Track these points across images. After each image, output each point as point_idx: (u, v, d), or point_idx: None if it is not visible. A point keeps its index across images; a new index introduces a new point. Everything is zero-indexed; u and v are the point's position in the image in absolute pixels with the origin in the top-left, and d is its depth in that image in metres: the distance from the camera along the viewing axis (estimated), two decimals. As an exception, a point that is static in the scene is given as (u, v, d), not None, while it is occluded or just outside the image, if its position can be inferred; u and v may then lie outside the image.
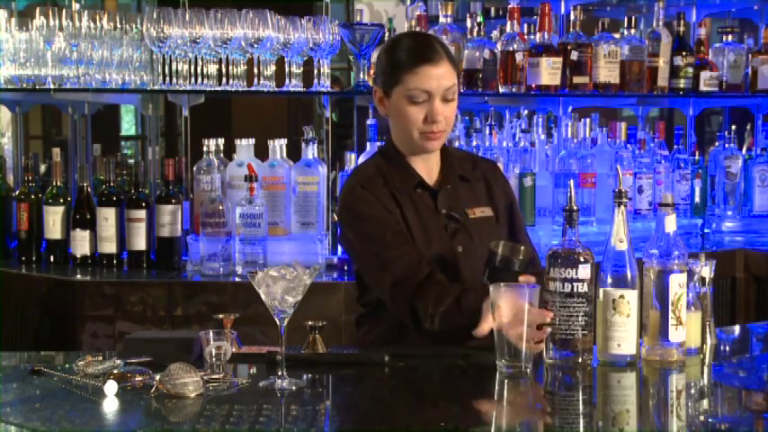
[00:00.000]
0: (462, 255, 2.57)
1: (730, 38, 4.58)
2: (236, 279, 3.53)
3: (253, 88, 3.76)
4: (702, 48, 4.43)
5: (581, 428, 1.93)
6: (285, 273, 2.13)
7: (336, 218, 3.16)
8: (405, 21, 4.13)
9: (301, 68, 3.78)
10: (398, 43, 2.60)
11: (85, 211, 3.75)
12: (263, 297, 2.16)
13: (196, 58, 3.67)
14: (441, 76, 2.52)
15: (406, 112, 2.54)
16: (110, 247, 3.73)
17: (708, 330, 2.45)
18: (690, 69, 4.33)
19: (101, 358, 2.22)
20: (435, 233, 2.58)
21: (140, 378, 2.11)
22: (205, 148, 3.71)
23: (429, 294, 2.43)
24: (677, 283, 2.27)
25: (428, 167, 2.65)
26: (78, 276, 3.63)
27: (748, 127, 5.01)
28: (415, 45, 2.56)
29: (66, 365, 2.28)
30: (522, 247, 2.40)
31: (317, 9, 4.45)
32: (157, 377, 2.05)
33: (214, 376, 2.12)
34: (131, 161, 4.56)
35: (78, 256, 3.74)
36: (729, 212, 4.55)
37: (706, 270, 2.43)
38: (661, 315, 2.27)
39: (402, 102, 2.54)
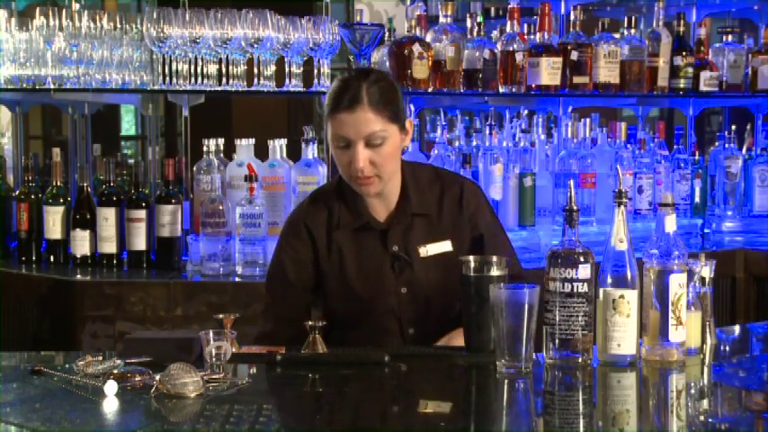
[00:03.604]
0: (405, 296, 2.56)
1: (730, 38, 4.58)
2: (236, 279, 3.53)
3: (253, 88, 3.76)
4: (702, 48, 4.43)
5: (581, 428, 1.93)
6: None
7: None
8: (405, 21, 4.12)
9: (301, 68, 3.78)
10: (333, 85, 2.54)
11: (85, 211, 3.75)
12: None
13: (196, 58, 3.67)
14: (358, 123, 2.45)
15: (335, 155, 2.53)
16: (110, 247, 3.73)
17: (708, 330, 2.45)
18: (690, 69, 4.33)
19: (101, 358, 2.21)
20: (376, 273, 2.55)
21: (140, 378, 2.11)
22: (205, 148, 3.71)
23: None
24: (677, 283, 2.27)
25: (385, 204, 2.59)
26: (78, 276, 3.63)
27: (748, 127, 5.01)
28: (336, 90, 2.49)
29: (66, 365, 2.27)
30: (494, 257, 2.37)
31: (317, 9, 4.46)
32: (157, 377, 2.05)
33: (214, 376, 2.12)
34: (131, 161, 4.55)
35: (78, 256, 3.74)
36: (729, 212, 4.55)
37: (706, 270, 2.43)
38: (661, 315, 2.27)
39: (332, 145, 2.53)
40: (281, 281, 2.62)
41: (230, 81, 3.72)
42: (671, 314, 2.26)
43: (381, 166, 2.49)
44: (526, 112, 4.85)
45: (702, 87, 4.38)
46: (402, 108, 2.56)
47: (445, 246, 2.58)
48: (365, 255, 2.56)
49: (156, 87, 3.75)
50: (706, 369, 2.34)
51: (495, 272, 2.34)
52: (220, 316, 2.38)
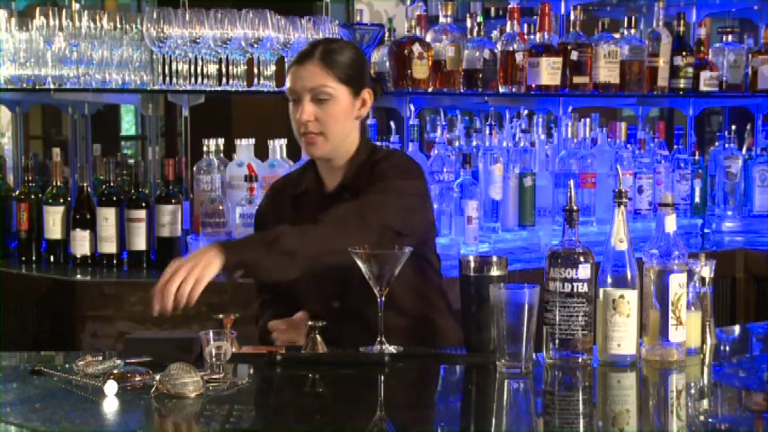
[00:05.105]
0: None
1: (730, 38, 4.58)
2: (236, 279, 3.53)
3: (253, 88, 3.76)
4: (702, 48, 4.43)
5: (581, 428, 1.93)
6: None
7: None
8: (405, 21, 4.12)
9: (301, 68, 3.78)
10: None
11: (85, 211, 3.75)
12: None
13: (196, 58, 3.67)
14: (305, 76, 2.54)
15: (289, 111, 2.61)
16: (110, 247, 3.73)
17: (708, 330, 2.45)
18: (690, 69, 4.33)
19: (101, 358, 2.22)
20: None
21: (140, 378, 2.11)
22: (205, 148, 3.71)
23: None
24: (677, 283, 2.27)
25: (333, 172, 2.63)
26: (78, 276, 3.63)
27: (748, 127, 5.01)
28: (300, 51, 2.63)
29: (66, 365, 2.28)
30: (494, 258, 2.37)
31: (317, 9, 4.45)
32: (157, 377, 2.05)
33: (214, 376, 2.12)
34: (131, 161, 4.55)
35: (78, 256, 3.74)
36: (729, 212, 4.55)
37: (706, 270, 2.43)
38: (661, 315, 2.27)
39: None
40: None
41: (230, 81, 3.72)
42: (671, 314, 2.26)
43: (326, 124, 2.55)
44: (526, 112, 4.85)
45: (702, 87, 4.38)
46: (363, 77, 2.61)
47: None
48: (308, 219, 2.54)
49: (156, 87, 3.75)
50: (706, 369, 2.34)
51: (495, 272, 2.35)
52: (220, 316, 2.38)
